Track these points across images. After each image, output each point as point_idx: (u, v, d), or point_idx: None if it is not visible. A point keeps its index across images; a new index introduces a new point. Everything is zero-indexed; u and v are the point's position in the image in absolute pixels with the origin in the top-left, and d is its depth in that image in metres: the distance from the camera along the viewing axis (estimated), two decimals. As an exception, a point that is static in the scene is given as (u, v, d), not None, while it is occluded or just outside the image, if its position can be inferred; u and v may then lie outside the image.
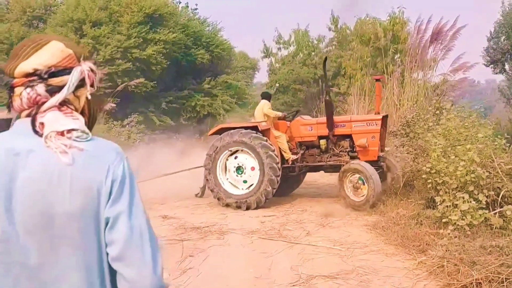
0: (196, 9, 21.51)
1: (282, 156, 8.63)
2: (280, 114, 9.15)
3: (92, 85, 1.37)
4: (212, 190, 8.58)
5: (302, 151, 8.82)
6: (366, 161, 8.03)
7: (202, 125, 17.89)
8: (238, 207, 8.27)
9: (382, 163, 8.46)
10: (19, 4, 17.69)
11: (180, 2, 20.78)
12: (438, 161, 6.49)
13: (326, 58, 9.68)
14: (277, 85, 24.07)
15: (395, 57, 14.76)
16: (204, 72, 19.24)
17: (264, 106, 9.04)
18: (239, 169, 8.51)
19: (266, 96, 9.37)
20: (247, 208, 8.22)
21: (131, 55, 15.82)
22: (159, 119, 16.70)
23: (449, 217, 5.75)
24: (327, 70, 10.29)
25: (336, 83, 20.38)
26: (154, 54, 16.19)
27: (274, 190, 8.26)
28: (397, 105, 11.76)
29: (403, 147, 9.24)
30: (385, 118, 8.73)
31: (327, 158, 8.65)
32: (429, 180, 6.61)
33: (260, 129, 8.42)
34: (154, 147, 13.48)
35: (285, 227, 6.95)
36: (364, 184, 7.76)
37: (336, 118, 8.75)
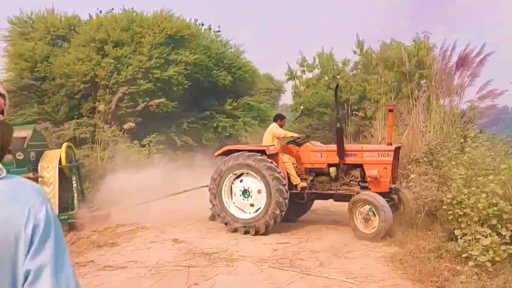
0: (219, 31, 21.71)
1: (290, 181, 8.52)
2: (291, 134, 9.06)
3: (1, 112, 1.22)
4: (218, 215, 8.48)
5: (311, 178, 8.69)
6: (377, 193, 7.86)
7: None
8: (247, 232, 8.14)
9: (394, 195, 8.29)
10: (44, 23, 18.10)
11: (203, 24, 21.04)
12: (459, 192, 6.27)
13: (337, 86, 9.55)
14: (302, 107, 24.06)
15: (421, 83, 14.59)
16: (226, 93, 19.30)
17: (273, 129, 8.99)
18: (245, 193, 8.39)
19: (276, 118, 9.34)
20: (256, 233, 8.10)
21: (152, 76, 16.00)
22: (181, 139, 16.75)
23: (470, 252, 5.51)
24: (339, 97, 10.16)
25: (362, 107, 20.27)
26: (175, 75, 16.33)
27: (283, 213, 8.13)
28: (422, 131, 11.51)
29: (426, 175, 8.99)
30: (397, 149, 8.57)
31: (337, 186, 8.53)
32: (450, 212, 6.39)
33: (268, 153, 8.32)
34: (174, 167, 13.47)
35: (298, 256, 6.77)
36: (374, 215, 7.57)
37: (347, 146, 8.66)
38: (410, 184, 8.54)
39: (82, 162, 11.91)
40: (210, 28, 21.28)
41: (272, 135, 8.95)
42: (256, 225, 8.11)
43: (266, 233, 8.11)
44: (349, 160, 8.37)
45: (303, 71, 23.60)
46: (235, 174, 8.42)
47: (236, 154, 8.43)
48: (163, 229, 8.70)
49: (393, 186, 8.41)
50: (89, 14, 19.90)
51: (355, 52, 21.30)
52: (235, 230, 8.26)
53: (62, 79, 16.17)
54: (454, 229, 6.35)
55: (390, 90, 15.02)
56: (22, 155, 9.46)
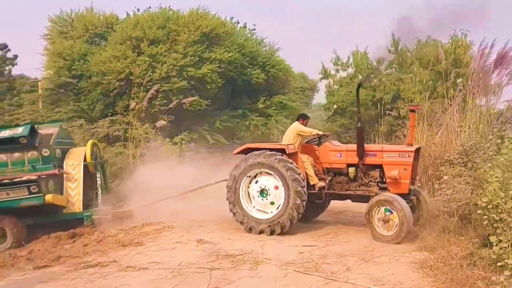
0: (254, 29, 21.51)
1: (307, 181, 8.32)
2: (316, 132, 8.78)
3: None
4: (242, 222, 8.31)
5: (329, 178, 8.47)
6: (397, 194, 7.61)
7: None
8: (273, 232, 7.99)
9: (412, 197, 7.99)
10: (82, 22, 18.31)
11: (238, 22, 20.88)
12: (495, 196, 5.87)
13: (360, 84, 9.35)
14: (335, 107, 23.62)
15: (457, 82, 14.01)
16: (260, 92, 19.09)
17: (297, 127, 8.78)
18: (262, 192, 8.23)
19: (299, 117, 9.12)
20: (282, 229, 7.97)
21: (186, 74, 15.89)
22: (213, 137, 16.63)
23: (506, 260, 5.13)
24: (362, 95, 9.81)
25: (396, 106, 19.73)
26: (209, 73, 16.20)
27: (300, 215, 7.99)
28: (456, 131, 11.00)
29: (460, 177, 8.54)
30: (418, 150, 8.29)
31: (355, 187, 8.33)
32: (485, 216, 5.99)
33: (287, 152, 8.14)
34: (205, 165, 13.36)
35: (325, 259, 6.51)
36: (392, 213, 7.36)
37: (367, 146, 8.40)
38: (442, 186, 8.12)
39: (106, 159, 11.96)
40: (245, 27, 21.14)
41: (294, 133, 8.72)
42: (272, 226, 7.99)
43: (282, 234, 7.96)
44: (368, 160, 8.18)
45: (337, 70, 23.16)
46: (249, 176, 8.30)
47: (257, 152, 8.27)
48: (189, 229, 8.58)
49: (412, 187, 8.13)
50: (127, 12, 20.08)
51: (390, 51, 20.72)
52: (261, 232, 8.09)
53: (98, 77, 16.27)
54: (489, 235, 5.96)
55: (424, 89, 14.49)
56: (48, 152, 9.49)
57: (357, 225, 8.87)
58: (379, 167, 8.14)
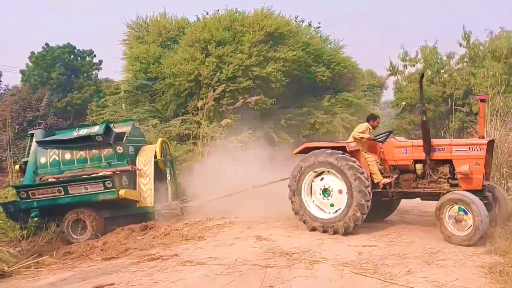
0: (319, 27, 21.00)
1: (372, 179, 7.75)
2: (366, 136, 8.17)
3: None
4: (297, 213, 7.94)
5: (395, 176, 7.82)
6: (469, 191, 6.87)
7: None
8: (325, 232, 7.56)
9: (487, 193, 7.15)
10: (156, 26, 18.72)
11: (303, 21, 20.47)
12: None
13: (422, 75, 8.43)
14: (403, 103, 22.63)
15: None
16: (324, 90, 18.61)
17: (357, 128, 8.32)
18: (325, 192, 7.78)
19: (369, 118, 8.60)
20: (334, 233, 7.49)
21: (251, 73, 15.79)
22: (278, 135, 16.39)
23: None
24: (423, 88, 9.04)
25: (467, 102, 18.55)
26: (273, 72, 16.00)
27: (364, 216, 7.43)
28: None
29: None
30: (491, 143, 7.45)
31: (424, 184, 7.60)
32: None
33: (348, 150, 7.64)
34: (270, 163, 13.14)
35: (384, 261, 5.98)
36: (466, 214, 6.61)
37: (434, 141, 7.64)
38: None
39: (175, 156, 12.06)
40: (310, 25, 20.71)
41: (356, 133, 8.24)
42: (335, 226, 7.50)
43: (345, 235, 7.45)
44: (436, 155, 7.45)
45: (405, 66, 22.17)
46: (316, 172, 7.84)
47: (317, 151, 7.84)
48: (249, 225, 8.39)
49: (486, 183, 7.33)
50: (196, 16, 20.29)
51: (461, 45, 19.50)
52: (313, 229, 7.73)
53: (170, 79, 16.54)
54: None
55: (497, 83, 13.39)
56: (122, 149, 9.67)
57: (423, 225, 8.20)
58: (449, 162, 7.41)
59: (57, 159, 10.03)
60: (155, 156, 10.06)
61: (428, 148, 7.45)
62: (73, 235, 9.50)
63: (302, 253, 6.38)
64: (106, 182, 9.29)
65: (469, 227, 6.60)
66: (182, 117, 15.92)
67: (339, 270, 5.65)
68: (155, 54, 17.56)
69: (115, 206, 9.61)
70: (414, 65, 21.84)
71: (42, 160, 10.12)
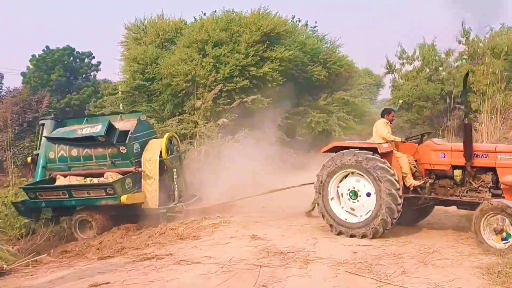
0: (315, 26, 20.92)
1: (404, 182, 7.23)
2: (393, 138, 7.59)
3: None
4: (323, 216, 7.44)
5: (431, 181, 7.25)
6: None
7: (317, 142, 17.13)
8: (352, 236, 7.07)
9: None
10: (154, 28, 18.62)
11: (299, 21, 20.39)
12: None
13: (467, 74, 7.76)
14: (400, 102, 22.48)
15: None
16: (321, 89, 18.54)
17: (377, 127, 7.73)
18: (353, 194, 7.27)
19: (383, 113, 8.00)
20: (363, 237, 7.00)
21: (248, 73, 15.73)
22: (275, 134, 16.27)
23: None
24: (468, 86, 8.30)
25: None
26: (270, 71, 15.94)
27: (394, 220, 6.93)
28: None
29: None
30: None
31: (462, 192, 7.00)
32: None
33: (380, 151, 7.10)
34: (267, 163, 13.05)
35: (379, 261, 5.82)
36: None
37: (477, 146, 7.05)
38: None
39: (184, 152, 11.81)
40: (306, 24, 20.65)
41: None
42: (363, 230, 7.02)
43: (372, 238, 7.01)
44: (478, 162, 6.86)
45: (402, 64, 21.99)
46: (344, 173, 7.34)
47: (345, 151, 7.31)
48: (244, 224, 8.28)
49: None
50: (194, 17, 20.21)
51: (459, 42, 19.25)
52: (339, 233, 7.22)
53: (167, 79, 16.45)
54: None
55: (497, 80, 13.16)
56: (126, 149, 9.50)
57: (420, 225, 8.04)
58: (492, 170, 6.79)
59: (65, 154, 9.93)
60: (161, 155, 9.76)
61: (469, 153, 6.85)
62: (81, 234, 9.53)
63: (296, 252, 6.25)
64: (107, 189, 9.18)
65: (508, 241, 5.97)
66: (179, 117, 15.84)
67: (333, 270, 5.52)
68: (152, 55, 17.47)
69: (120, 207, 9.48)
70: (411, 63, 21.68)
71: (51, 155, 10.02)
